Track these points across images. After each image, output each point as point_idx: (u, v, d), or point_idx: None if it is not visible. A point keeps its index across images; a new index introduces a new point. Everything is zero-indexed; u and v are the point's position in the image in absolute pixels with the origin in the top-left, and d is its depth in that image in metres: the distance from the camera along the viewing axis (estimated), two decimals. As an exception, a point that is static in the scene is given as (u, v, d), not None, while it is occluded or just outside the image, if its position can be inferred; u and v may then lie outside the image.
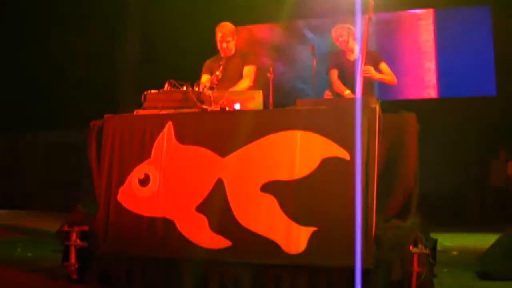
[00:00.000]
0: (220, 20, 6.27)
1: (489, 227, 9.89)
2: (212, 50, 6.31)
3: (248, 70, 6.10)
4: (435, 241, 4.99)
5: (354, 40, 6.35)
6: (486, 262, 5.77)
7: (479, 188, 13.69)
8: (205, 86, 5.30)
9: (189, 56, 6.83)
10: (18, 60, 14.85)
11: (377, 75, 6.19)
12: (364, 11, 6.07)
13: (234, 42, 6.17)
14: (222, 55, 6.14)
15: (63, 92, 14.54)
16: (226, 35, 6.08)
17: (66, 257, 5.13)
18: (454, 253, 7.83)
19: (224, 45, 6.09)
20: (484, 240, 8.11)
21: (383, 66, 6.38)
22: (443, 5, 13.02)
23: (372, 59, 6.30)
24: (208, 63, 6.26)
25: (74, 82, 14.45)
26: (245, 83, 5.98)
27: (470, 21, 12.98)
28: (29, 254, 6.95)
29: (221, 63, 5.92)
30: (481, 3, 12.92)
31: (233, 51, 6.19)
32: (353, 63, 6.26)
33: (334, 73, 6.45)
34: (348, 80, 6.27)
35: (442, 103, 13.25)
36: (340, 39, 6.37)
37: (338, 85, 6.35)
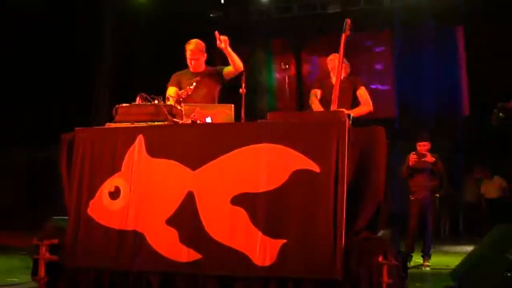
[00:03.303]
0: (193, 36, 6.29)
1: (462, 242, 9.99)
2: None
3: None
4: (406, 254, 5.02)
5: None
6: (457, 276, 5.80)
7: (452, 204, 13.77)
8: (174, 100, 5.32)
9: (161, 70, 6.79)
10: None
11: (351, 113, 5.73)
12: (342, 29, 6.10)
13: (203, 59, 6.17)
14: (191, 70, 6.14)
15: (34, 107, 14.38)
16: (195, 52, 6.07)
17: (35, 271, 5.07)
18: (427, 268, 7.88)
19: (193, 62, 6.09)
20: (456, 255, 8.21)
21: (361, 91, 6.33)
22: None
23: (352, 83, 6.34)
24: (176, 76, 6.21)
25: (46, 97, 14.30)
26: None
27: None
28: (-2, 269, 6.88)
29: (195, 79, 5.93)
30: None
31: (202, 67, 6.18)
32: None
33: (316, 92, 6.42)
34: (329, 102, 6.18)
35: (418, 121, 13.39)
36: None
37: (316, 104, 6.32)
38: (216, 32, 5.85)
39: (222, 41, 5.82)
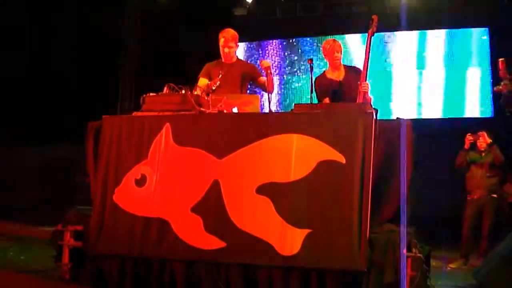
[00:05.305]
0: (221, 28, 6.30)
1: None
2: (211, 55, 6.34)
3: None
4: (429, 250, 4.99)
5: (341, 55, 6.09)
6: (480, 274, 5.77)
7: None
8: (202, 91, 5.34)
9: (188, 61, 6.82)
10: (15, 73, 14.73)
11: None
12: (367, 26, 6.03)
13: (235, 49, 6.18)
14: (223, 60, 6.16)
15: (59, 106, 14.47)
16: (229, 40, 6.07)
17: (59, 257, 5.13)
18: (449, 267, 7.82)
19: (226, 50, 6.07)
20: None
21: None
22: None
23: (355, 78, 5.87)
24: (208, 67, 6.20)
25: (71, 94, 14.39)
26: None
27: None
28: (22, 257, 6.93)
29: (220, 71, 5.91)
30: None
31: (234, 58, 6.20)
32: (334, 82, 5.99)
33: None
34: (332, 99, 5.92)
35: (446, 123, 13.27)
36: (336, 54, 5.99)
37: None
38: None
39: (265, 68, 5.89)
